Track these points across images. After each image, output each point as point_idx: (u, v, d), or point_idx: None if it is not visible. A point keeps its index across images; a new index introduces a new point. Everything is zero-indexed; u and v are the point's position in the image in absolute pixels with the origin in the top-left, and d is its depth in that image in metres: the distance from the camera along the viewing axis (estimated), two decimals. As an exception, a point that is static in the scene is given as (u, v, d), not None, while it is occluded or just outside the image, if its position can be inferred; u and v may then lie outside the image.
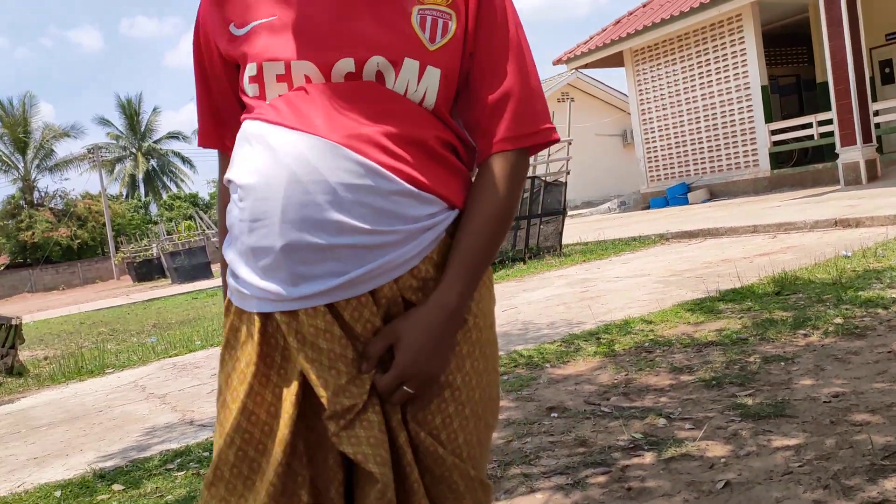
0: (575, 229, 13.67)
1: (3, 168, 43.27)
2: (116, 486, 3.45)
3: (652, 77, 18.41)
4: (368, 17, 1.08)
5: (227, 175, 1.14)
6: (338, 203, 1.03)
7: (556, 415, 3.43)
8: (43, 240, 40.08)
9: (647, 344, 4.49)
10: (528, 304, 6.91)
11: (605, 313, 5.70)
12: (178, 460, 3.71)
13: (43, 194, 43.97)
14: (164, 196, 51.27)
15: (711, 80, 17.04)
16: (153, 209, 50.33)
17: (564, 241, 11.04)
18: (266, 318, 1.10)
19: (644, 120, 18.86)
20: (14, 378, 7.89)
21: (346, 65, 1.07)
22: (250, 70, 1.11)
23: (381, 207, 1.05)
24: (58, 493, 3.50)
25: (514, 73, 1.14)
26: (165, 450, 3.95)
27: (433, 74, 1.10)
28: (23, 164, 43.50)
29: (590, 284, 7.43)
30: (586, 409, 3.44)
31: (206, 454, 3.72)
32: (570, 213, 13.43)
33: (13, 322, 8.34)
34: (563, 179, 10.79)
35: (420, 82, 1.09)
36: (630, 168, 22.11)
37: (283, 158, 1.04)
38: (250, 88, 1.12)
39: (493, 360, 1.19)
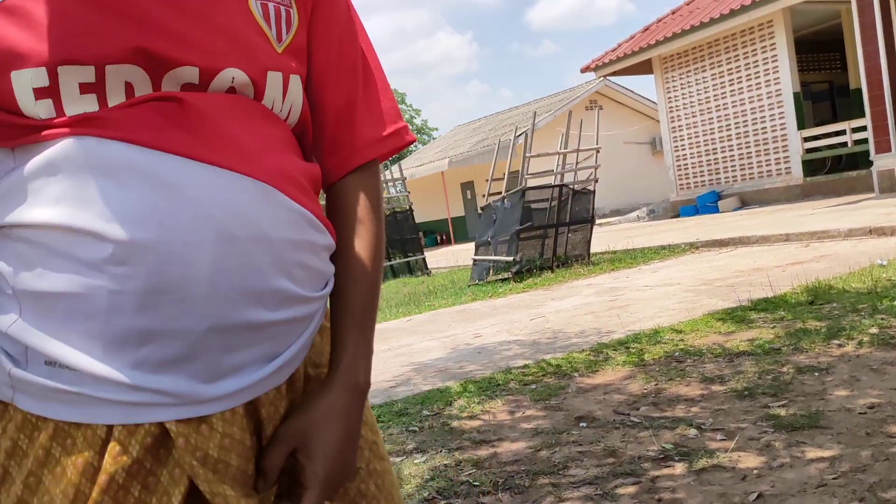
0: (603, 238, 13.59)
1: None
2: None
3: (681, 84, 18.28)
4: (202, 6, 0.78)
5: (60, 218, 0.71)
6: (281, 266, 0.77)
7: (584, 424, 3.41)
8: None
9: (677, 353, 4.44)
10: (556, 312, 6.87)
11: (635, 322, 5.65)
12: (208, 466, 3.73)
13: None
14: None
15: (742, 87, 16.87)
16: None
17: (593, 249, 10.98)
18: (129, 433, 0.73)
19: (673, 127, 18.72)
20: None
21: (189, 74, 0.76)
22: (33, 79, 0.71)
23: (315, 267, 0.83)
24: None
25: (359, 67, 0.92)
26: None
27: (296, 86, 0.85)
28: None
29: (619, 293, 7.37)
30: (615, 419, 3.40)
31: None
32: (598, 221, 13.38)
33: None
34: (591, 187, 10.73)
35: (285, 100, 0.84)
36: (659, 176, 21.94)
37: (203, 205, 0.72)
38: (38, 107, 0.72)
39: (384, 451, 0.96)
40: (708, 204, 17.09)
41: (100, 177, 0.71)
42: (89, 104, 0.73)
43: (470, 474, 3.00)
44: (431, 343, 6.36)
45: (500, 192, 10.69)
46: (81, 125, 0.72)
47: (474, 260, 11.02)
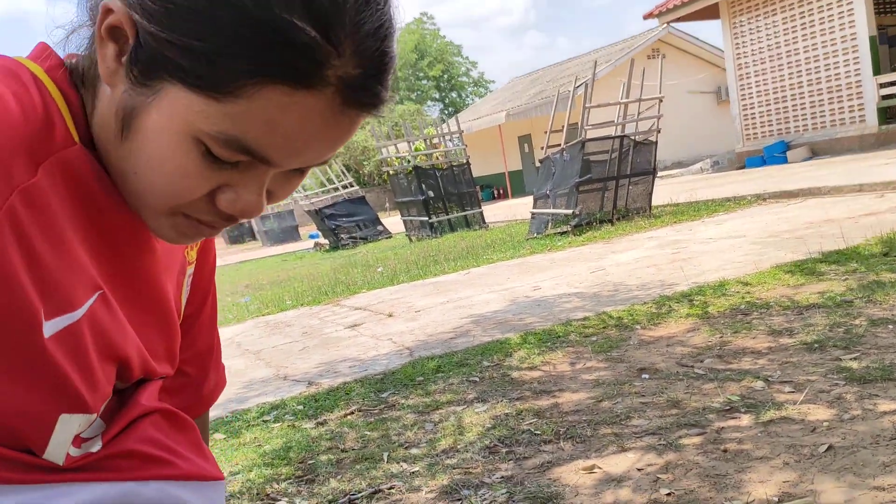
0: (665, 190, 13.30)
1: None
2: (218, 436, 3.61)
3: (749, 29, 17.55)
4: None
5: None
6: None
7: (647, 376, 3.37)
8: (143, 204, 42.09)
9: (743, 306, 4.34)
10: (616, 265, 6.78)
11: (698, 275, 5.54)
12: (274, 412, 3.84)
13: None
14: (255, 161, 52.72)
15: (814, 32, 16.10)
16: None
17: (654, 202, 10.76)
18: None
19: (741, 75, 18.04)
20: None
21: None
22: (81, 425, 0.71)
23: None
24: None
25: (215, 320, 1.00)
26: (262, 402, 4.10)
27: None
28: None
29: (681, 246, 7.22)
30: (679, 371, 3.36)
31: (299, 407, 3.84)
32: (660, 173, 13.08)
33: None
34: (653, 138, 10.47)
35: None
36: (724, 126, 21.28)
37: None
38: (61, 453, 0.70)
39: None
40: (776, 154, 16.51)
41: None
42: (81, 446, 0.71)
43: (531, 423, 3.01)
44: (490, 296, 6.36)
45: (558, 145, 10.52)
46: (110, 469, 0.71)
47: (532, 213, 10.92)
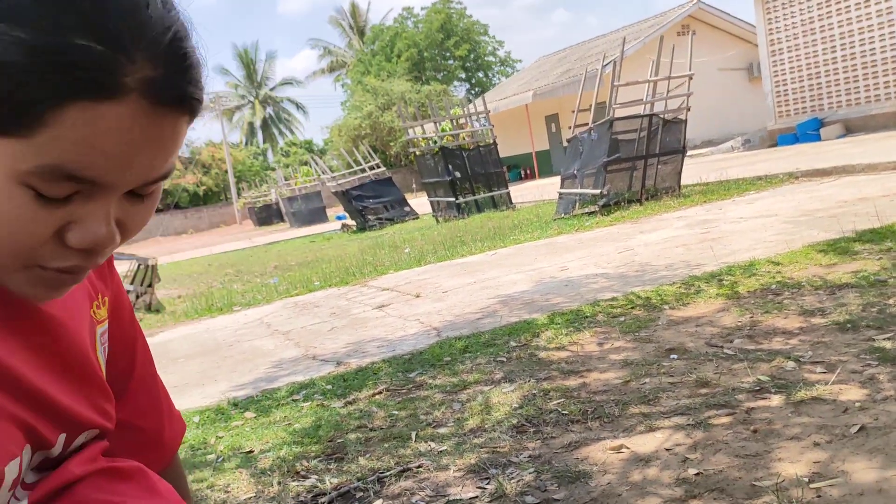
0: (695, 169, 13.14)
1: (135, 118, 45.93)
2: (248, 414, 3.66)
3: (783, 3, 17.18)
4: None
5: None
6: None
7: (675, 356, 3.35)
8: (172, 186, 42.49)
9: (774, 286, 4.29)
10: (644, 245, 6.73)
11: (728, 255, 5.48)
12: (304, 392, 3.88)
13: (171, 143, 46.31)
14: (281, 143, 52.93)
15: (849, 6, 15.72)
16: (270, 156, 52.13)
17: (683, 181, 10.63)
18: None
19: (773, 51, 17.70)
20: (153, 314, 8.47)
21: (61, 440, 0.77)
22: (24, 469, 0.70)
23: None
24: (196, 419, 3.75)
25: (152, 365, 1.00)
26: (292, 382, 4.15)
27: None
28: (152, 115, 46.01)
29: (711, 226, 7.14)
30: (708, 352, 3.33)
31: (328, 387, 3.87)
32: (689, 152, 12.90)
33: (150, 263, 8.92)
34: (682, 117, 10.33)
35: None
36: (756, 104, 20.92)
37: None
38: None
39: None
40: (809, 132, 16.21)
41: None
42: (5, 500, 0.69)
43: (559, 403, 3.01)
44: (517, 276, 6.35)
45: (586, 124, 10.43)
46: None
47: (560, 193, 10.86)
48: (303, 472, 2.78)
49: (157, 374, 1.01)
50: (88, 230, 0.61)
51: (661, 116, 10.12)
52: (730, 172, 11.60)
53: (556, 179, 11.98)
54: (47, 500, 0.72)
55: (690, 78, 10.24)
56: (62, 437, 0.75)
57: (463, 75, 46.19)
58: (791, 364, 2.97)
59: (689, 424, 2.56)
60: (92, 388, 0.79)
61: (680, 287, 4.69)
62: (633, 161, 10.03)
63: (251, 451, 3.12)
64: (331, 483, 2.63)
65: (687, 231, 7.09)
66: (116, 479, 0.79)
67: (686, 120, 10.37)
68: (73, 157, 0.57)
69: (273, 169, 40.66)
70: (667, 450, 2.41)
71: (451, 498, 2.36)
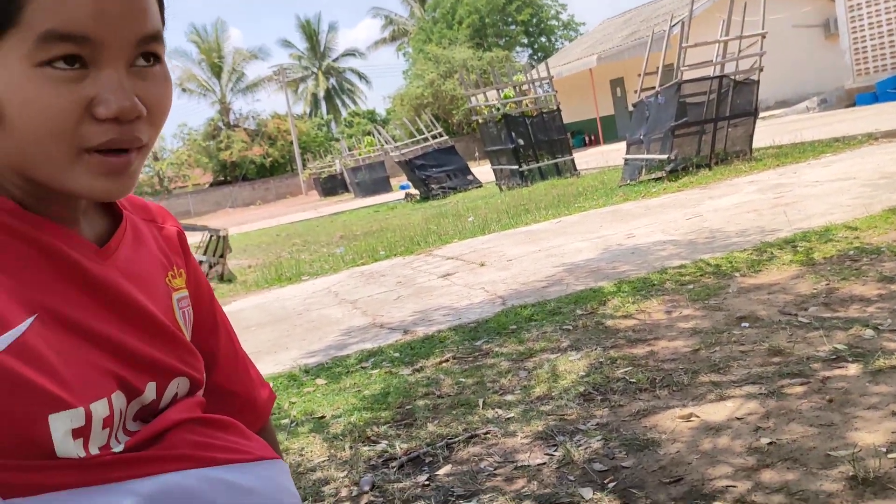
0: (767, 131, 12.70)
1: (203, 92, 46.90)
2: (319, 380, 3.76)
3: (861, -44, 16.31)
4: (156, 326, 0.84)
5: None
6: None
7: (747, 324, 3.29)
8: (240, 158, 43.35)
9: (851, 252, 4.14)
10: (714, 211, 6.57)
11: (803, 220, 5.31)
12: (372, 359, 3.96)
13: (237, 116, 47.24)
14: (344, 113, 53.33)
15: (936, -46, 14.82)
16: (334, 126, 52.60)
17: (756, 144, 10.29)
18: None
19: (851, 6, 16.85)
20: (225, 284, 8.73)
21: (150, 391, 0.81)
22: (67, 422, 0.70)
23: None
24: (270, 385, 3.87)
25: (234, 341, 1.03)
26: (361, 349, 4.24)
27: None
28: (219, 88, 46.90)
29: (785, 190, 6.92)
30: (781, 319, 3.26)
31: (396, 354, 3.94)
32: (762, 114, 12.45)
33: (221, 234, 9.17)
34: (754, 77, 9.97)
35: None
36: (832, 62, 20.01)
37: (277, 496, 0.82)
38: (71, 447, 0.70)
39: None
40: (889, 90, 15.45)
41: None
42: (105, 438, 0.74)
43: (626, 371, 3.00)
44: (582, 244, 6.30)
45: (653, 88, 10.17)
46: (144, 465, 0.74)
47: (626, 159, 10.67)
48: (373, 438, 2.86)
49: (244, 351, 1.07)
50: (110, 98, 0.69)
51: (732, 78, 9.79)
52: (805, 134, 11.17)
53: (622, 145, 11.76)
54: (145, 444, 0.77)
55: (763, 37, 9.86)
56: (152, 385, 0.80)
57: (525, 40, 45.49)
58: (869, 332, 2.88)
59: (761, 393, 2.52)
60: (169, 342, 0.84)
61: (752, 254, 4.58)
62: (702, 124, 9.76)
63: (323, 417, 3.21)
64: (401, 448, 2.69)
65: (759, 196, 6.89)
66: (212, 427, 0.84)
67: (758, 81, 10.00)
68: (57, 19, 0.66)
69: (337, 140, 41.03)
70: (738, 419, 2.38)
71: (519, 464, 2.39)
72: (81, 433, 0.71)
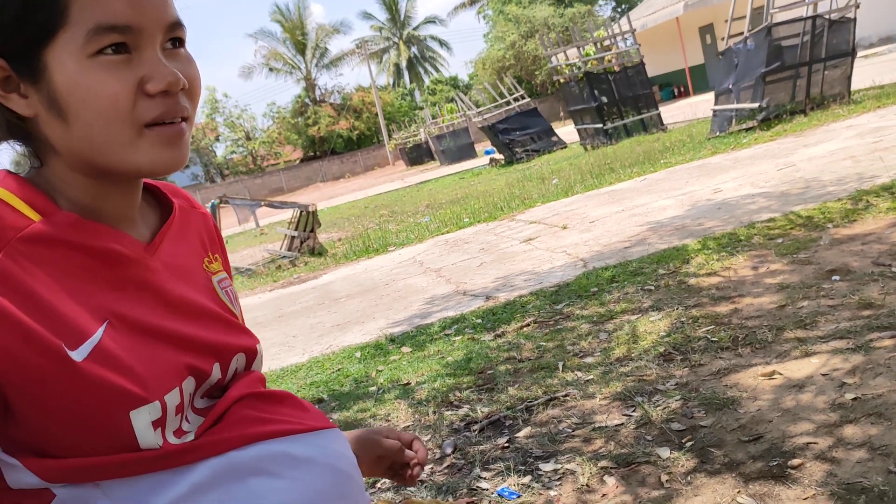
0: (868, 71, 11.96)
1: (289, 70, 47.87)
2: (405, 348, 3.87)
3: None
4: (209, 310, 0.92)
5: None
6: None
7: (837, 277, 3.17)
8: (327, 133, 44.20)
9: (955, 196, 3.90)
10: (808, 160, 6.29)
11: (903, 164, 5.02)
12: (455, 326, 4.04)
13: (323, 91, 48.04)
14: (427, 81, 53.36)
15: None
16: (417, 95, 52.75)
17: (854, 86, 9.73)
18: None
19: (961, -73, 15.53)
20: (316, 257, 9.01)
21: (216, 372, 0.89)
22: (151, 413, 0.78)
23: None
24: (358, 354, 4.01)
25: None
26: (444, 317, 4.32)
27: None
28: (304, 65, 47.75)
29: (885, 133, 6.53)
30: (874, 271, 3.12)
31: (478, 321, 4.00)
32: (863, 52, 11.72)
33: (310, 209, 9.43)
34: (850, 15, 9.38)
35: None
36: (942, -10, 18.56)
37: (334, 463, 0.88)
38: (152, 438, 0.78)
39: None
40: None
41: (250, 477, 0.81)
42: (178, 422, 0.82)
43: (708, 330, 2.96)
44: (667, 201, 6.16)
45: (742, 33, 9.73)
46: (211, 447, 0.81)
47: (714, 111, 10.29)
48: (456, 402, 2.93)
49: None
50: (157, 74, 0.77)
51: (827, 17, 9.25)
52: (910, 71, 10.47)
53: (712, 96, 11.33)
54: (214, 423, 0.86)
55: (860, -30, 9.25)
56: (217, 366, 0.89)
57: (608, -7, 44.13)
58: (970, 281, 2.73)
59: (848, 348, 2.44)
60: (222, 323, 0.93)
61: (846, 203, 4.38)
62: (796, 69, 9.28)
63: (408, 384, 3.31)
64: (482, 412, 2.75)
65: (857, 141, 6.54)
66: (269, 401, 0.91)
67: (855, 18, 9.41)
68: (101, 14, 0.74)
69: (421, 108, 41.20)
70: (823, 375, 2.32)
71: (596, 425, 2.42)
72: (159, 423, 0.79)
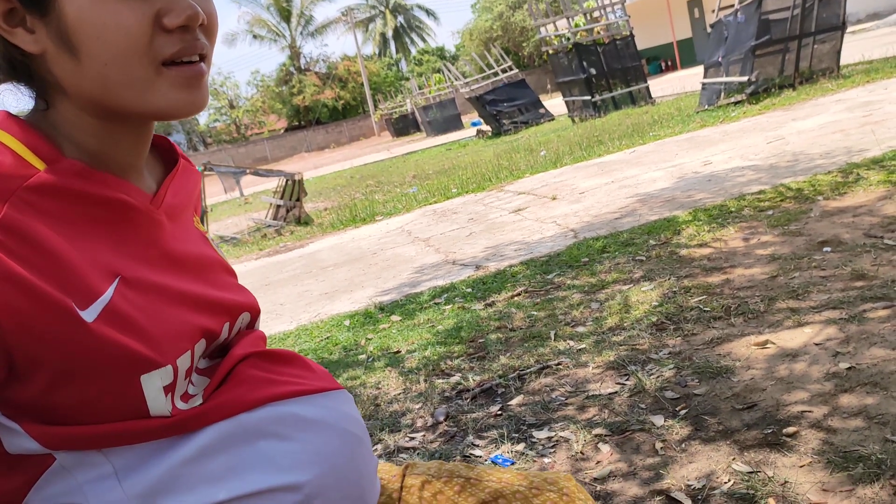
0: (857, 46, 11.96)
1: (273, 37, 47.20)
2: (394, 317, 3.85)
3: None
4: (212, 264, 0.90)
5: (251, 486, 0.77)
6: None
7: (828, 249, 3.17)
8: (312, 102, 43.75)
9: (945, 169, 3.91)
10: (797, 133, 6.28)
11: (893, 138, 5.02)
12: (445, 295, 4.02)
13: (308, 60, 47.45)
14: (413, 51, 52.86)
15: None
16: (404, 66, 52.27)
17: (844, 60, 9.72)
18: None
19: None
20: (302, 226, 8.94)
21: (224, 331, 0.87)
22: (163, 378, 0.75)
23: None
24: (347, 322, 3.98)
25: None
26: (433, 286, 4.30)
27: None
28: (288, 33, 47.09)
29: (874, 107, 6.54)
30: (866, 243, 3.13)
31: (468, 290, 3.98)
32: (851, 28, 11.69)
33: (296, 178, 9.35)
34: (842, -12, 9.34)
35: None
36: (931, -34, 18.55)
37: (341, 425, 0.85)
38: (162, 404, 0.75)
39: None
40: None
41: (260, 440, 0.78)
42: (185, 386, 0.79)
43: (700, 300, 2.95)
44: (657, 173, 6.15)
45: (732, 6, 9.67)
46: (219, 411, 0.78)
47: (703, 84, 10.25)
48: (447, 371, 2.92)
49: None
50: (175, 7, 0.71)
51: (818, -10, 9.20)
52: (899, 47, 10.47)
53: (700, 70, 11.28)
54: (219, 384, 0.82)
55: (852, -57, 9.19)
56: (226, 325, 0.86)
57: (596, -36, 43.80)
58: (962, 253, 2.74)
59: (841, 318, 2.44)
60: (229, 280, 0.91)
61: (836, 175, 4.38)
62: (785, 42, 9.25)
63: (398, 352, 3.29)
64: (473, 380, 2.74)
65: (846, 115, 6.54)
66: (274, 361, 0.88)
67: (847, -9, 9.37)
68: None
69: (407, 79, 40.84)
70: (816, 344, 2.32)
71: (590, 393, 2.41)
72: (170, 388, 0.76)
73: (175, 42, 0.72)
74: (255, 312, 0.93)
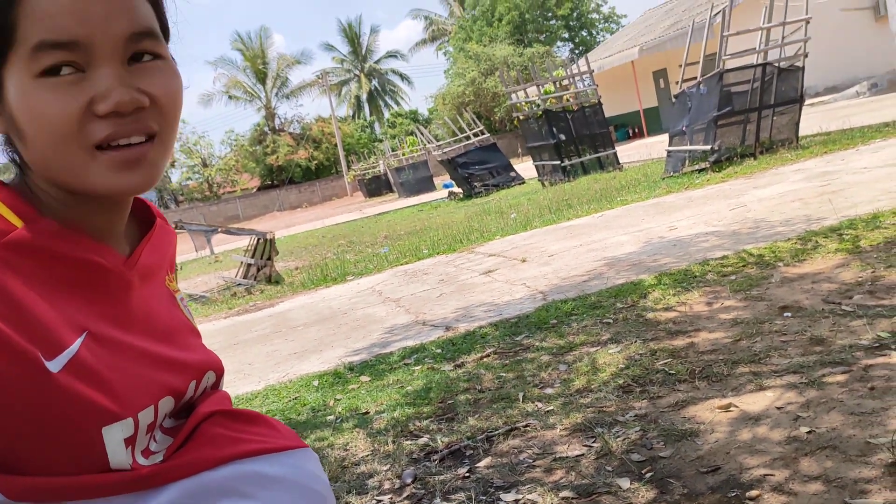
0: (814, 118, 12.42)
1: (248, 98, 47.71)
2: (364, 377, 3.84)
3: (911, -66, 15.80)
4: (180, 328, 0.94)
5: None
6: None
7: (789, 314, 3.26)
8: (286, 162, 44.03)
9: (898, 238, 4.06)
10: (758, 201, 6.48)
11: (849, 208, 5.20)
12: (415, 356, 4.03)
13: (282, 120, 47.92)
14: (387, 114, 53.67)
15: None
16: (377, 128, 52.98)
17: (802, 132, 10.08)
18: None
19: (901, -14, 16.33)
20: (273, 285, 8.91)
21: (190, 389, 0.89)
22: (119, 432, 0.76)
23: None
24: (315, 382, 3.97)
25: None
26: (403, 346, 4.31)
27: None
28: (264, 94, 47.66)
29: (832, 177, 6.78)
30: (825, 308, 3.22)
31: (438, 351, 4.00)
32: (809, 101, 12.17)
33: (268, 237, 9.36)
34: (799, 64, 9.76)
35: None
36: (883, 45, 19.42)
37: (305, 482, 0.86)
38: (123, 457, 0.77)
39: None
40: (944, 71, 14.95)
41: (222, 499, 0.80)
42: (146, 441, 0.81)
43: (666, 363, 3.00)
44: (624, 237, 6.27)
45: (695, 78, 10.05)
46: (182, 469, 0.80)
47: (668, 151, 10.55)
48: (416, 432, 2.91)
49: None
50: (107, 94, 0.73)
51: (776, 65, 9.61)
52: (854, 120, 10.90)
53: (666, 137, 11.63)
54: (183, 443, 0.84)
55: (807, 22, 9.66)
56: (192, 384, 0.89)
57: (566, 35, 45.19)
58: (915, 320, 2.83)
59: (801, 383, 2.50)
60: (194, 341, 0.94)
61: (796, 243, 4.52)
62: (746, 114, 9.60)
63: (367, 413, 3.28)
64: (442, 441, 2.74)
65: (805, 184, 6.77)
66: (239, 420, 0.90)
67: (803, 67, 9.80)
68: (45, 30, 0.70)
69: (380, 141, 41.36)
70: (778, 408, 2.37)
71: (557, 455, 2.43)
72: (130, 441, 0.78)
73: (106, 127, 0.74)
74: (220, 372, 0.95)
